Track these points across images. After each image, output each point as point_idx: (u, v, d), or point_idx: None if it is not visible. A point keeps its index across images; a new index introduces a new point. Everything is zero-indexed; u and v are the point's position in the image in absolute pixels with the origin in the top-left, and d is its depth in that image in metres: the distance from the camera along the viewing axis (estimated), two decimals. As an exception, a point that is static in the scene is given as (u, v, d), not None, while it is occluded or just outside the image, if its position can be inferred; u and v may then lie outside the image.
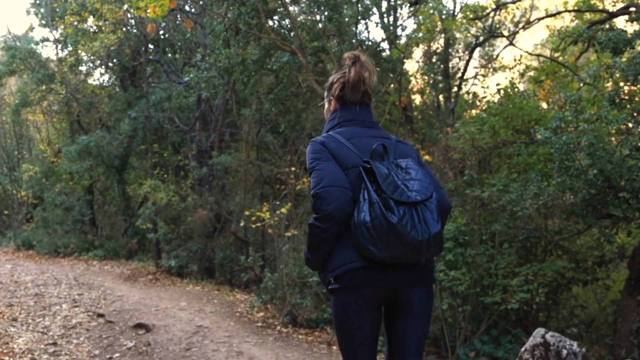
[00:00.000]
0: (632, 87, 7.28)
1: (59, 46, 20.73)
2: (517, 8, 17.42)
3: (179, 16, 17.22)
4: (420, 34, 12.74)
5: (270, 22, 11.84)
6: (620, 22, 10.37)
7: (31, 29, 23.10)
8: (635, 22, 9.11)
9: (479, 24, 15.02)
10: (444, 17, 13.04)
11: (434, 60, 18.12)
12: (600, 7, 11.47)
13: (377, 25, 15.35)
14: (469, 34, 16.83)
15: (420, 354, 2.79)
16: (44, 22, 20.51)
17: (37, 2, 20.47)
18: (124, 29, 16.97)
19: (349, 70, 2.97)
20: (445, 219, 2.86)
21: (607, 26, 9.55)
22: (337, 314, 2.69)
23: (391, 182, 2.59)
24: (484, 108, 12.96)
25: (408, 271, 2.64)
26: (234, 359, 6.48)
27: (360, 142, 2.81)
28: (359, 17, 12.60)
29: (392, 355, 2.83)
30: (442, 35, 16.73)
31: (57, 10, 19.14)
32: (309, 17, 12.50)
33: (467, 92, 18.07)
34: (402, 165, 2.71)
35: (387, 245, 2.50)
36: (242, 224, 13.03)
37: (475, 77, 18.85)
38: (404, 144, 2.99)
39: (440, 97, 18.38)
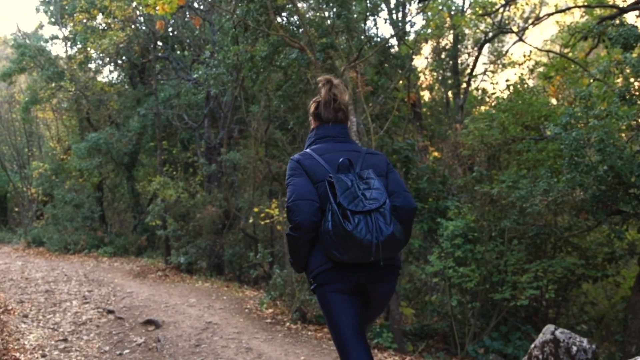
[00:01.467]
0: (643, 83, 7.24)
1: (68, 44, 20.81)
2: (527, 4, 17.35)
3: (187, 13, 17.23)
4: (429, 30, 12.72)
5: (279, 19, 11.83)
6: (631, 17, 10.32)
7: (41, 26, 23.21)
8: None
9: (488, 20, 14.96)
10: (452, 13, 13.02)
11: (442, 56, 18.07)
12: (611, 3, 11.42)
13: (385, 22, 15.32)
14: (478, 30, 16.77)
15: (370, 324, 3.49)
16: (53, 19, 20.58)
17: (47, 0, 20.52)
18: (133, 26, 16.99)
19: (322, 91, 3.38)
20: (411, 221, 3.22)
21: (618, 22, 9.49)
22: (322, 306, 3.13)
23: (350, 193, 2.96)
24: (493, 104, 12.93)
25: (372, 270, 3.03)
26: (243, 355, 6.49)
27: (331, 157, 3.18)
28: (368, 14, 12.55)
29: None
30: (451, 32, 16.70)
31: (67, 7, 19.19)
32: (318, 14, 12.47)
33: (476, 89, 18.01)
34: (364, 177, 3.07)
35: (347, 249, 2.88)
36: (251, 221, 13.05)
37: (484, 73, 18.77)
38: (374, 154, 3.34)
39: (449, 94, 18.35)
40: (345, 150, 3.25)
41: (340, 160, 3.13)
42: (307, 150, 3.30)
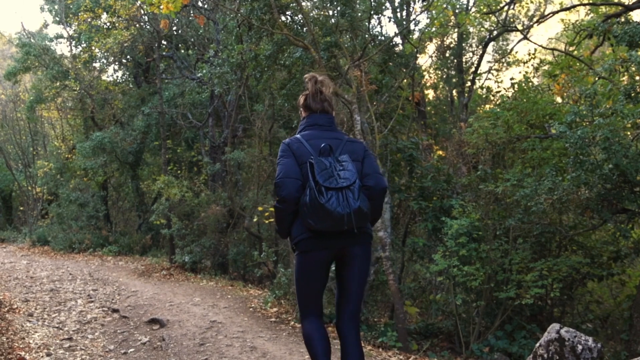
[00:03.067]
0: (648, 81, 7.21)
1: (73, 43, 20.84)
2: (532, 2, 17.28)
3: (191, 12, 17.24)
4: (434, 29, 12.67)
5: (283, 18, 11.81)
6: (637, 15, 10.29)
7: (45, 25, 23.21)
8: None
9: (493, 18, 14.90)
10: (457, 11, 12.99)
11: (447, 54, 18.04)
12: (616, 1, 11.36)
13: (390, 20, 15.27)
14: (482, 28, 16.72)
15: (361, 295, 3.91)
16: (57, 18, 20.63)
17: (51, -1, 20.58)
18: (137, 25, 17.00)
19: (308, 85, 4.03)
20: (381, 199, 3.85)
21: (623, 19, 9.46)
22: (297, 268, 3.78)
23: (326, 172, 3.56)
24: (497, 103, 12.92)
25: (348, 236, 3.63)
26: (248, 354, 6.49)
27: (315, 143, 3.77)
28: (372, 12, 12.52)
29: (340, 295, 3.89)
30: (456, 30, 16.65)
31: (71, 7, 19.22)
32: (322, 12, 12.45)
33: (481, 87, 17.97)
34: (341, 160, 3.65)
35: (320, 219, 3.49)
36: (255, 220, 13.04)
37: (489, 71, 18.72)
38: (353, 142, 3.94)
39: (454, 92, 18.30)
40: (329, 138, 3.83)
41: (322, 145, 3.71)
42: (298, 135, 3.89)
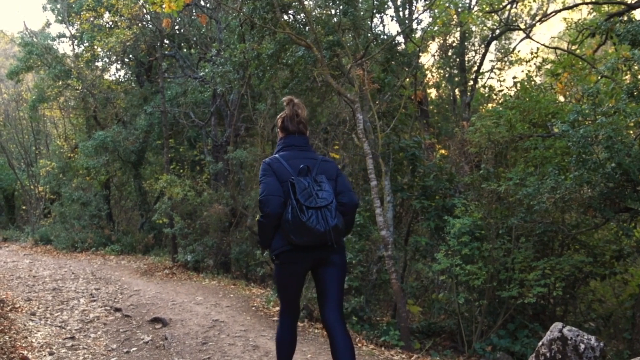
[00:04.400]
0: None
1: (75, 42, 20.87)
2: (534, 1, 17.28)
3: (194, 11, 17.25)
4: (436, 28, 12.68)
5: (285, 17, 11.80)
6: (639, 14, 10.26)
7: (48, 25, 23.23)
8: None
9: (495, 17, 14.90)
10: (459, 10, 12.96)
11: (449, 53, 18.02)
12: (618, -1, 11.35)
13: (392, 19, 15.30)
14: (485, 27, 16.73)
15: (341, 296, 4.19)
16: (60, 18, 20.64)
17: (54, -2, 20.59)
18: (140, 24, 17.01)
19: (286, 109, 4.36)
20: (353, 214, 4.22)
21: (626, 18, 9.44)
22: (278, 278, 4.19)
23: (306, 192, 3.91)
24: (500, 101, 12.89)
25: (324, 249, 3.99)
26: (250, 353, 6.50)
27: (294, 163, 4.12)
28: (375, 11, 12.50)
29: (320, 298, 4.19)
30: (458, 29, 16.64)
31: (73, 6, 19.24)
32: (324, 11, 12.45)
33: (483, 86, 17.96)
34: (318, 180, 4.01)
35: (301, 234, 3.85)
36: (257, 219, 13.04)
37: (491, 70, 18.71)
38: (327, 162, 4.28)
39: (456, 91, 18.30)
40: (305, 158, 4.20)
41: (301, 166, 4.06)
42: (276, 155, 4.24)
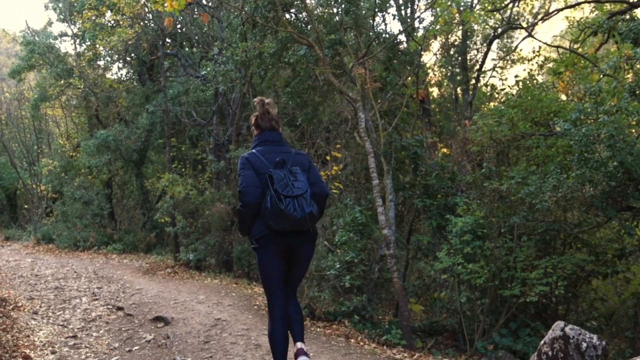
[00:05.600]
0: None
1: (77, 41, 20.90)
2: (536, -1, 17.26)
3: (196, 10, 17.24)
4: (438, 26, 12.67)
5: (287, 15, 11.80)
6: (641, 12, 10.24)
7: (49, 23, 23.30)
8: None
9: (497, 16, 14.90)
10: (461, 9, 12.96)
11: (451, 52, 18.01)
12: (621, -2, 11.33)
13: (394, 18, 15.31)
14: (487, 26, 16.70)
15: (299, 282, 4.77)
16: (62, 16, 20.67)
17: (56, -3, 20.60)
18: (142, 23, 17.02)
19: (257, 107, 4.73)
20: (324, 203, 4.57)
21: (628, 17, 9.44)
22: (260, 261, 4.47)
23: (284, 183, 4.26)
24: (502, 100, 12.87)
25: (297, 235, 4.37)
26: (252, 351, 6.50)
27: (270, 157, 4.47)
28: (376, 10, 12.50)
29: (286, 282, 4.53)
30: (460, 28, 16.63)
31: (75, 5, 19.26)
32: (326, 10, 12.44)
33: (485, 85, 17.95)
34: (293, 172, 4.36)
35: (280, 221, 4.21)
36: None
37: (493, 69, 18.71)
38: (300, 154, 4.65)
39: (458, 90, 18.28)
40: (280, 152, 4.55)
41: (277, 159, 4.40)
42: (253, 150, 4.58)
